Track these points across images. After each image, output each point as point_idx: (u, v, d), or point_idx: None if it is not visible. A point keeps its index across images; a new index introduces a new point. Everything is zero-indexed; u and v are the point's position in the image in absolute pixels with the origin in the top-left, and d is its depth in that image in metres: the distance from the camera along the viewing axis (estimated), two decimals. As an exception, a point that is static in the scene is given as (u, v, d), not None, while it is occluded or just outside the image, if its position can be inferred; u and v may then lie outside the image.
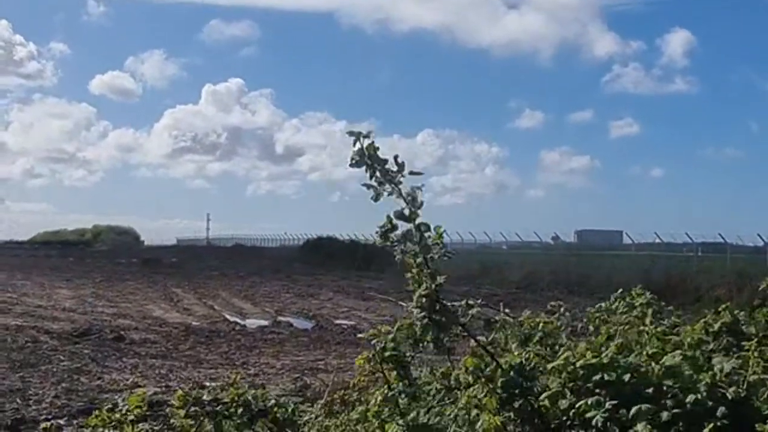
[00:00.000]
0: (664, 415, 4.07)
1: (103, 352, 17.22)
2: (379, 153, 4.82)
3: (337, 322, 25.50)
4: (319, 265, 63.84)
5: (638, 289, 6.64)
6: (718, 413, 4.08)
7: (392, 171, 4.78)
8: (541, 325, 5.60)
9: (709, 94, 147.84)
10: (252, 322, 25.05)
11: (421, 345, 5.18)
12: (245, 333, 22.12)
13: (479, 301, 5.36)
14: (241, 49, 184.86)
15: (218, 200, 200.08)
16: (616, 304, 6.61)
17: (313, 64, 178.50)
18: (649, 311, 6.19)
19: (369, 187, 4.83)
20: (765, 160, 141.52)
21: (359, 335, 5.61)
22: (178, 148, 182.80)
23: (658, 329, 5.32)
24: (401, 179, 4.80)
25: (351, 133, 4.80)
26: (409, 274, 4.92)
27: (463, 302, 5.02)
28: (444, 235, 5.08)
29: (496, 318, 5.51)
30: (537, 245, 73.22)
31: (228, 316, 26.44)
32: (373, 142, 4.80)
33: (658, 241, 63.74)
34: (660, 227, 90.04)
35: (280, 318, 26.44)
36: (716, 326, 5.35)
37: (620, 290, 6.81)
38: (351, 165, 4.82)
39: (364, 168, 4.85)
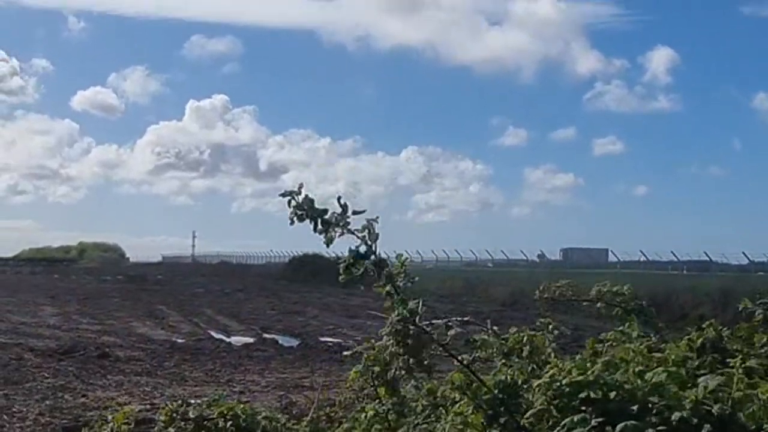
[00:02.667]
0: (650, 432, 4.08)
1: (88, 369, 17.13)
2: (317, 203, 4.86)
3: (323, 339, 25.42)
4: (305, 283, 63.74)
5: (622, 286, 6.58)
6: (704, 430, 4.10)
7: (337, 214, 4.81)
8: (525, 338, 5.61)
9: (692, 111, 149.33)
10: (237, 340, 24.96)
11: (389, 372, 5.23)
12: (230, 350, 22.04)
13: (465, 318, 5.37)
14: (223, 65, 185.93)
15: (203, 217, 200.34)
16: (594, 291, 6.62)
17: (296, 81, 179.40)
18: (635, 325, 6.21)
19: (320, 232, 4.85)
20: (749, 178, 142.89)
21: (344, 353, 5.62)
22: (162, 165, 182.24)
23: (643, 345, 5.34)
24: (348, 219, 4.83)
25: (283, 194, 4.83)
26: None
27: (442, 322, 5.01)
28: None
29: (476, 337, 5.51)
30: (523, 263, 73.50)
31: (213, 334, 26.35)
32: (307, 195, 4.83)
33: (643, 259, 64.21)
34: (645, 245, 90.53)
35: (266, 335, 26.34)
36: (698, 342, 5.37)
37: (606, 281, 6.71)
38: (291, 223, 4.85)
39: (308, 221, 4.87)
